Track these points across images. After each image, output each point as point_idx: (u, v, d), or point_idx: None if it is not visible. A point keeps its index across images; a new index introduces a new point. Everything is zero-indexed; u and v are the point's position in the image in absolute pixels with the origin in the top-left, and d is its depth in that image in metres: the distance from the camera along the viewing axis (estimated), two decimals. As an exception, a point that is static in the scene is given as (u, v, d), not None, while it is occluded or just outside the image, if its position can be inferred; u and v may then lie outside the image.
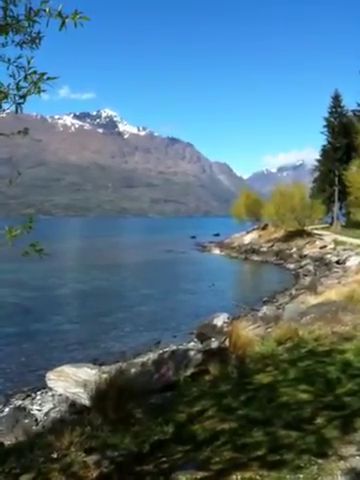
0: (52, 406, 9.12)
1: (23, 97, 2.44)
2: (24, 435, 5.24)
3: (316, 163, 60.16)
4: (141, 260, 41.83)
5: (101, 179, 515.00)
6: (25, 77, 2.39)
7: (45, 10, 2.32)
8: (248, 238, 51.49)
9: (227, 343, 7.45)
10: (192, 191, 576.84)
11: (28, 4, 2.36)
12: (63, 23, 2.32)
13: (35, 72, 2.37)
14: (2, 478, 3.63)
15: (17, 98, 2.44)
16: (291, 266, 34.58)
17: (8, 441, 6.54)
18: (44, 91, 2.42)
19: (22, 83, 2.41)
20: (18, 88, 2.41)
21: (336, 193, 54.54)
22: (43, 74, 2.37)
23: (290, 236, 45.23)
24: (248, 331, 8.68)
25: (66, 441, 4.14)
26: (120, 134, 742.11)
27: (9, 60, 2.41)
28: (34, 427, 7.98)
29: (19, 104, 2.46)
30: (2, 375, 11.38)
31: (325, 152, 57.27)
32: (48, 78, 2.38)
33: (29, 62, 2.37)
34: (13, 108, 2.47)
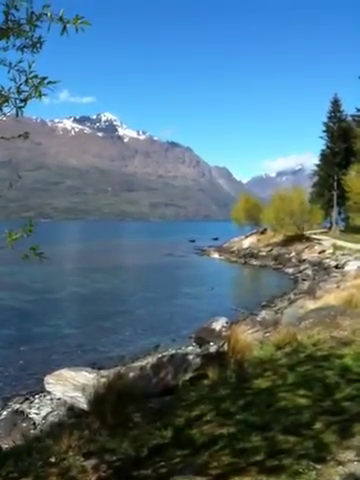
0: (50, 410, 9.10)
1: (24, 101, 2.45)
2: (22, 439, 5.23)
3: (315, 168, 60.32)
4: (140, 264, 41.82)
5: (101, 183, 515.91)
6: (26, 81, 2.40)
7: (47, 14, 2.33)
8: (247, 242, 51.55)
9: (226, 347, 7.43)
10: (191, 195, 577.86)
11: (30, 8, 2.37)
12: (64, 28, 2.33)
13: (36, 76, 2.38)
14: (0, 482, 3.62)
15: (18, 102, 2.45)
16: (290, 270, 34.59)
17: (6, 445, 6.53)
18: (45, 95, 2.43)
19: (23, 87, 2.42)
20: (19, 92, 2.42)
21: (335, 198, 54.64)
22: (44, 78, 2.38)
23: (289, 241, 45.30)
24: (247, 335, 8.66)
25: (64, 445, 4.13)
26: (120, 138, 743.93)
27: (10, 64, 2.42)
28: (32, 431, 7.96)
29: (20, 108, 2.47)
30: (0, 379, 11.36)
31: (324, 157, 57.40)
32: (49, 82, 2.39)
33: (30, 66, 2.38)
34: (14, 111, 2.48)
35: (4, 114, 2.47)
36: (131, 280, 32.32)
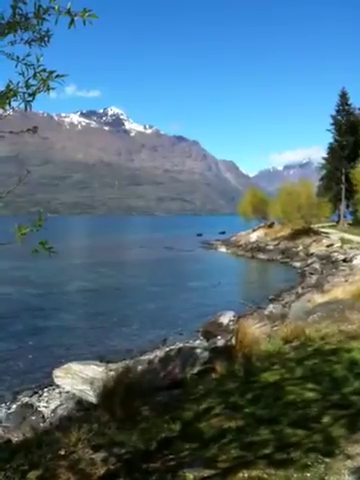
0: (59, 403, 9.15)
1: (32, 95, 2.44)
2: (31, 432, 5.28)
3: (323, 161, 59.98)
4: (147, 258, 41.87)
5: (107, 177, 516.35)
6: (34, 75, 2.39)
7: (54, 8, 2.32)
8: (254, 236, 51.40)
9: (233, 341, 7.44)
10: (198, 189, 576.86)
11: (37, 2, 2.35)
12: (72, 21, 2.31)
13: (44, 70, 2.37)
14: (10, 474, 3.65)
15: (26, 96, 2.44)
16: (297, 264, 34.43)
17: (16, 438, 6.59)
18: (53, 89, 2.42)
19: (31, 81, 2.41)
20: (27, 86, 2.42)
21: (343, 191, 54.36)
22: (52, 72, 2.37)
23: (296, 234, 45.06)
24: (254, 329, 8.67)
25: (73, 438, 4.17)
26: (126, 132, 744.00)
27: (18, 58, 2.42)
28: (41, 424, 8.01)
29: (28, 102, 2.46)
30: (9, 372, 11.44)
31: (332, 150, 57.05)
32: (57, 76, 2.38)
33: (38, 60, 2.38)
34: (22, 106, 2.48)
35: (13, 108, 2.47)
36: (138, 274, 32.35)
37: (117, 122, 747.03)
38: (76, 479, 3.61)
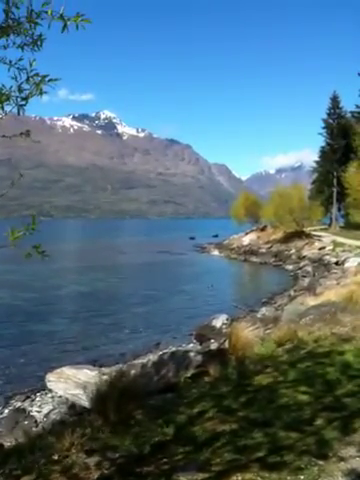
0: (52, 408, 9.11)
1: (25, 99, 2.44)
2: (24, 436, 5.23)
3: (314, 164, 60.24)
4: (140, 261, 41.82)
5: (100, 180, 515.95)
6: (27, 79, 2.39)
7: (47, 12, 2.32)
8: (247, 239, 51.52)
9: (226, 344, 7.45)
10: (191, 192, 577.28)
11: (29, 6, 2.36)
12: (65, 25, 2.32)
13: (37, 74, 2.37)
14: (3, 479, 3.63)
15: (19, 100, 2.44)
16: (290, 267, 34.57)
17: (8, 442, 6.54)
18: (46, 93, 2.42)
19: (24, 85, 2.41)
20: (20, 90, 2.42)
21: (334, 194, 54.59)
22: (45, 76, 2.37)
23: (289, 237, 45.22)
24: (247, 332, 8.68)
25: (67, 442, 4.14)
26: (119, 135, 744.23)
27: (11, 62, 2.42)
28: (34, 429, 7.96)
29: (21, 106, 2.46)
30: (2, 376, 11.37)
31: (323, 153, 57.34)
32: (50, 80, 2.38)
33: (31, 64, 2.38)
34: (15, 110, 2.48)
35: (5, 113, 2.47)
36: (131, 278, 32.32)
37: (110, 126, 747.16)
38: (69, 484, 3.59)
